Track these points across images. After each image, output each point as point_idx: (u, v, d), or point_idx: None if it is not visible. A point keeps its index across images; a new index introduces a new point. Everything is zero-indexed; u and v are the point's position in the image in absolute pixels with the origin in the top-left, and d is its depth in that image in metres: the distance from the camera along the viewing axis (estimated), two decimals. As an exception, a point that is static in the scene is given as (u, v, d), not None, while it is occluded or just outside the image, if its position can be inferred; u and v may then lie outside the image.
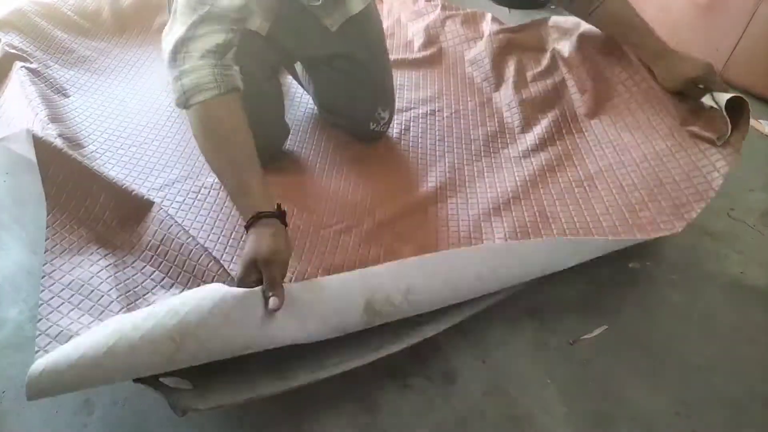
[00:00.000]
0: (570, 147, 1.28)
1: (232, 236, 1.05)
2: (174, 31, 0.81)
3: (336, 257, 1.02)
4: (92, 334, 0.72)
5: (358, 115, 1.23)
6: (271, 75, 1.15)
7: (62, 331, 0.77)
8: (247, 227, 0.79)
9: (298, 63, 1.30)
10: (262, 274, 0.75)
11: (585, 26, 1.41)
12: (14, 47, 1.41)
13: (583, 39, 1.43)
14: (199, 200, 1.12)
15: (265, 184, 0.82)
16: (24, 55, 1.40)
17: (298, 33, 1.11)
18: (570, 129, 1.34)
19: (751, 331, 1.00)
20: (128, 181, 1.14)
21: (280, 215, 0.81)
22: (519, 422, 0.85)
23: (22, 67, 1.34)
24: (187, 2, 0.81)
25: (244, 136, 0.81)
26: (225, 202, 1.12)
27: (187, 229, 1.05)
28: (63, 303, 0.82)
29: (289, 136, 1.27)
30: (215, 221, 1.08)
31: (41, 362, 0.68)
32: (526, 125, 1.37)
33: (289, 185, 1.17)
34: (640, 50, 1.19)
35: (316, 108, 1.38)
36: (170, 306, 0.72)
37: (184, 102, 0.79)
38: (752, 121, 1.53)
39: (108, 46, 1.60)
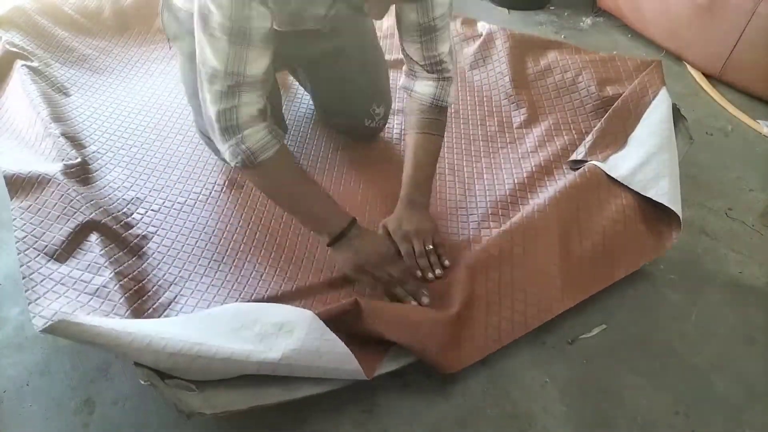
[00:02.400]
0: (570, 148, 1.28)
1: (234, 238, 1.05)
2: (212, 99, 0.84)
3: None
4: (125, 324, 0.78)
5: (352, 112, 1.24)
6: None
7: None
8: (337, 238, 0.93)
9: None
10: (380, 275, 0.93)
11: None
12: (15, 45, 1.41)
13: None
14: (200, 201, 1.12)
15: (334, 202, 0.97)
16: (25, 53, 1.41)
17: (289, 36, 1.12)
18: (570, 129, 1.35)
19: (750, 330, 1.00)
20: (130, 181, 1.15)
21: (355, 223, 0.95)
22: (518, 421, 0.85)
23: (23, 65, 1.34)
24: (215, 72, 0.82)
25: (307, 177, 0.96)
26: (226, 204, 1.12)
27: (189, 229, 1.06)
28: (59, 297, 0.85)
29: (289, 137, 1.28)
30: (217, 222, 1.08)
31: (77, 318, 0.75)
32: (526, 125, 1.37)
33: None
34: (408, 182, 1.05)
35: (315, 109, 1.38)
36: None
37: (252, 161, 0.87)
38: (751, 122, 1.53)
39: (109, 44, 1.61)
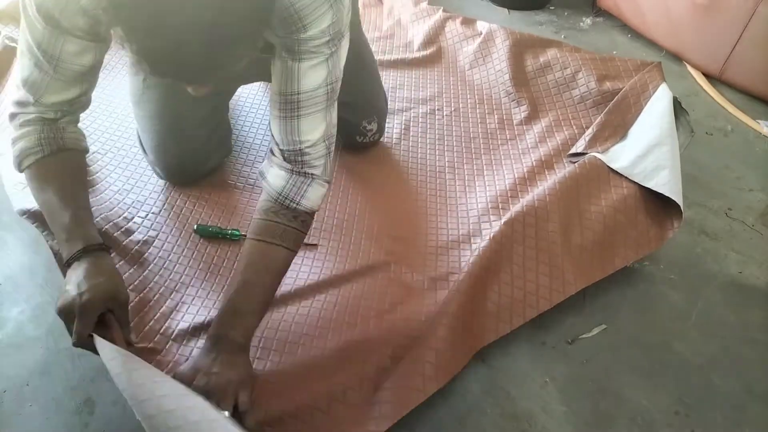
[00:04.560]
0: (570, 142, 1.28)
1: (233, 240, 1.05)
2: (19, 90, 0.80)
3: (337, 262, 1.03)
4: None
5: (343, 129, 1.17)
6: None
7: None
8: (71, 260, 0.75)
9: None
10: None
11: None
12: (14, 40, 1.40)
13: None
14: (200, 202, 1.12)
15: (89, 226, 0.79)
16: (24, 49, 1.40)
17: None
18: (570, 124, 1.34)
19: (750, 330, 1.00)
20: (131, 183, 1.14)
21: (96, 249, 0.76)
22: (518, 421, 0.85)
23: None
24: (28, 45, 0.77)
25: (60, 185, 0.80)
26: (226, 206, 1.12)
27: (190, 233, 1.05)
28: None
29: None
30: (218, 222, 1.08)
31: None
32: (527, 122, 1.37)
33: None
34: (222, 310, 0.78)
35: None
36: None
37: (18, 166, 0.82)
38: (751, 122, 1.53)
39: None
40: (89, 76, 0.81)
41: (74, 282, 0.72)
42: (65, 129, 0.84)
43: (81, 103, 0.83)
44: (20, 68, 0.78)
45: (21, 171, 0.82)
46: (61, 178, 0.81)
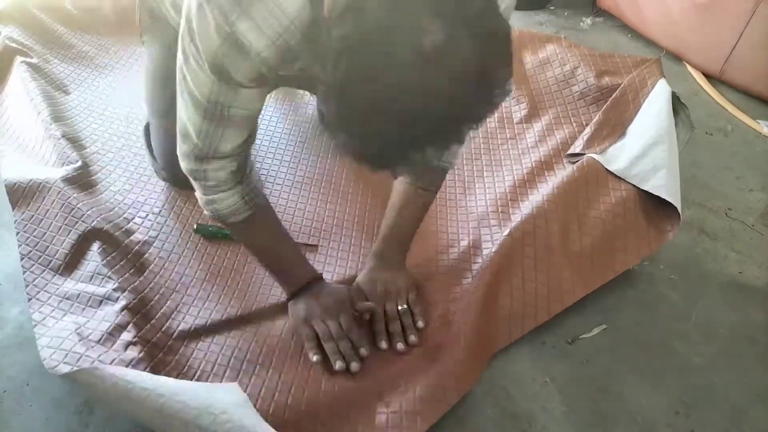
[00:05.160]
0: (570, 141, 1.27)
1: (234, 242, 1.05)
2: (182, 153, 0.80)
3: (338, 266, 1.03)
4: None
5: None
6: None
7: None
8: (297, 293, 0.90)
9: None
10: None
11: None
12: (14, 40, 1.40)
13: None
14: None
15: (303, 259, 0.94)
16: (24, 49, 1.39)
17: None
18: (570, 121, 1.34)
19: (750, 330, 1.00)
20: (131, 183, 1.14)
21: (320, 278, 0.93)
22: (518, 421, 0.85)
23: (22, 62, 1.33)
24: (187, 133, 0.76)
25: (279, 236, 0.92)
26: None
27: (190, 233, 1.05)
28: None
29: (290, 138, 1.27)
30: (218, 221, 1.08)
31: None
32: (527, 120, 1.36)
33: (290, 187, 1.18)
34: (384, 235, 0.97)
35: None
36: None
37: (222, 220, 0.86)
38: (751, 122, 1.53)
39: (108, 42, 1.58)
40: (257, 116, 0.79)
41: (331, 295, 0.90)
42: (255, 182, 0.87)
43: (251, 142, 0.82)
44: (188, 120, 0.75)
45: (223, 222, 0.87)
46: (272, 224, 0.92)
